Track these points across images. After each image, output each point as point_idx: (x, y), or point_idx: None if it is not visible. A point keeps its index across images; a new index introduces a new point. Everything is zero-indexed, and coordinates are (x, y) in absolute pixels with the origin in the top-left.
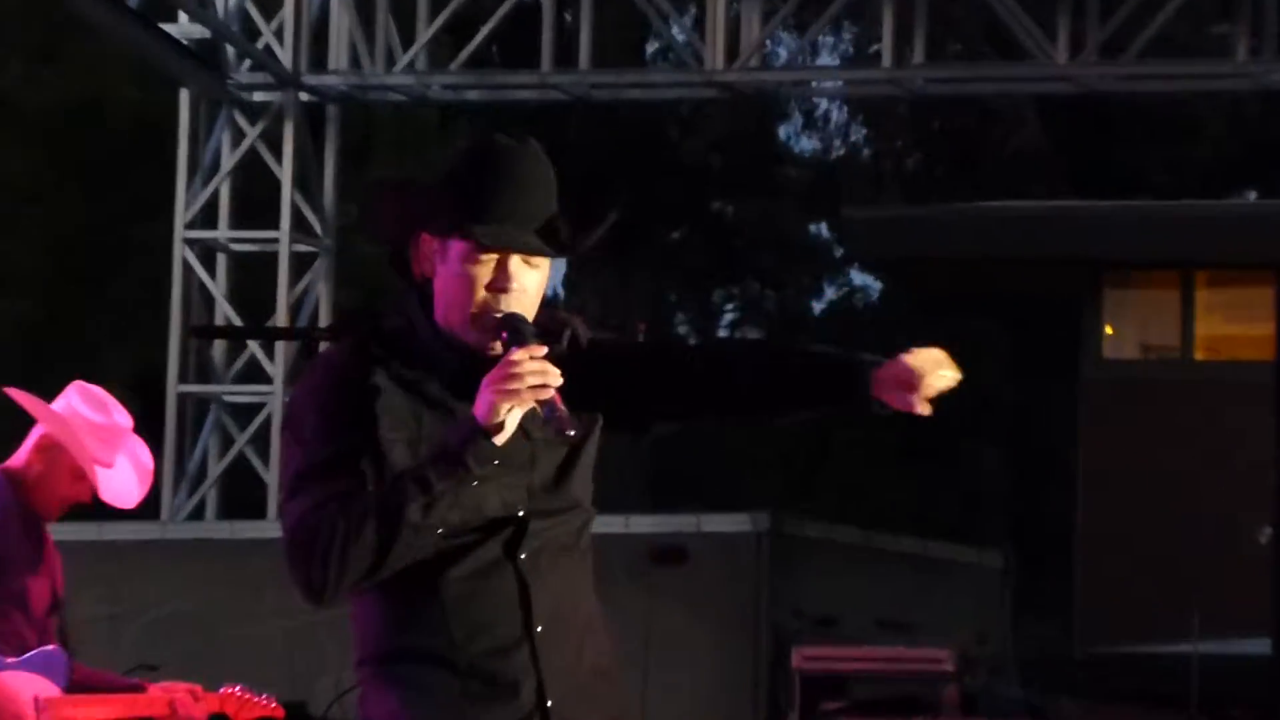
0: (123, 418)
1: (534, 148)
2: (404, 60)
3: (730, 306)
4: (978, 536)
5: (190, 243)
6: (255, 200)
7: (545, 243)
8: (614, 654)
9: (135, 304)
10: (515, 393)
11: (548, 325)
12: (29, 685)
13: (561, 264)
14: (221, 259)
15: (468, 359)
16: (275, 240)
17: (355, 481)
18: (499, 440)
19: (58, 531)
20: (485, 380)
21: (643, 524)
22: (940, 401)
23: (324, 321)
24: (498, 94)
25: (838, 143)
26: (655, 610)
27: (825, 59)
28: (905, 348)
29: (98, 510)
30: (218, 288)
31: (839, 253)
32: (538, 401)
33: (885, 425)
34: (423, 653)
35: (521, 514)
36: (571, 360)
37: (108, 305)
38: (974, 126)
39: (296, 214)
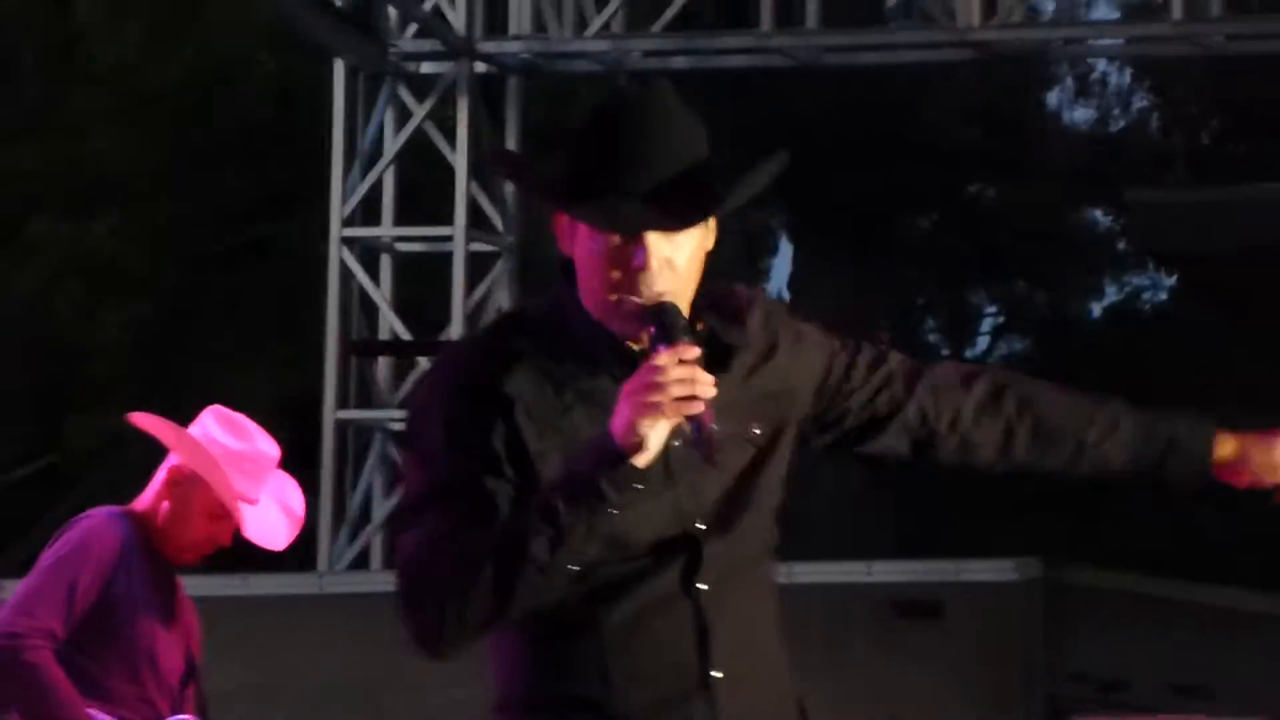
0: (269, 447)
1: (662, 89)
2: (598, 23)
3: (991, 310)
4: None
5: (348, 242)
6: (425, 192)
7: (678, 207)
8: (803, 709)
9: (275, 314)
10: (656, 406)
11: (721, 308)
12: None
13: (785, 259)
14: (385, 260)
15: (620, 350)
16: (448, 238)
17: (480, 509)
18: (640, 462)
19: (193, 586)
20: (625, 388)
21: (888, 571)
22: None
23: None
24: (709, 60)
25: (1118, 112)
26: (903, 674)
27: (1102, 11)
28: (1205, 359)
29: (241, 558)
30: (381, 295)
31: (1121, 245)
32: (685, 417)
33: None
34: (574, 702)
35: (698, 530)
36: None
37: (241, 315)
38: None
39: (473, 207)
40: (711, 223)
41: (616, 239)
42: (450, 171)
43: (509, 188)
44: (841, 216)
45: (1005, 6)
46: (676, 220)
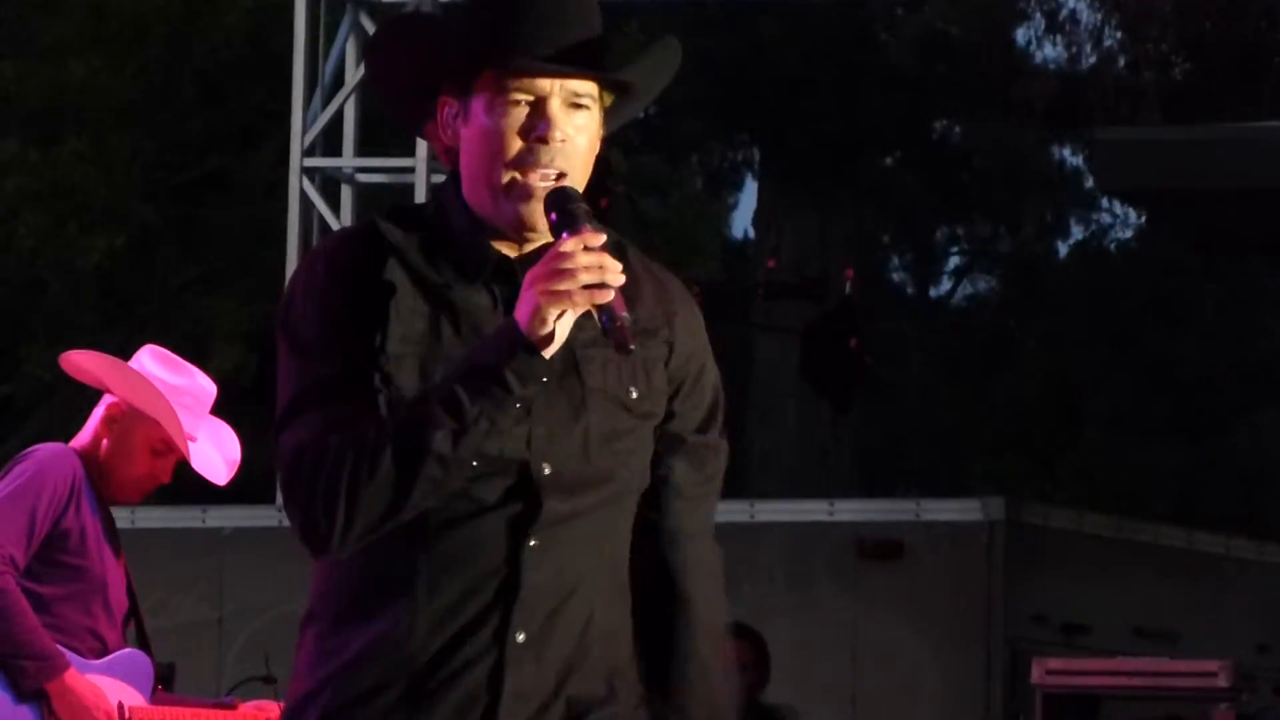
0: (206, 384)
1: None
2: None
3: (956, 249)
4: (1257, 528)
5: (309, 172)
6: (387, 123)
7: (590, 60)
8: (635, 684)
9: (237, 245)
10: (565, 295)
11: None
12: (115, 691)
13: (750, 196)
14: (346, 191)
15: (501, 264)
16: (410, 170)
17: (367, 403)
18: (547, 353)
19: (150, 518)
20: (528, 277)
21: (850, 511)
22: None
23: None
24: None
25: (1088, 49)
26: (865, 615)
27: None
28: (1171, 297)
29: (192, 491)
30: (342, 226)
31: (1089, 183)
32: (594, 306)
33: (1145, 393)
34: (377, 636)
35: (543, 476)
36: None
37: (206, 244)
38: (1257, 29)
39: None
40: (600, 117)
41: (520, 110)
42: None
43: None
44: (806, 153)
45: None
46: (599, 69)
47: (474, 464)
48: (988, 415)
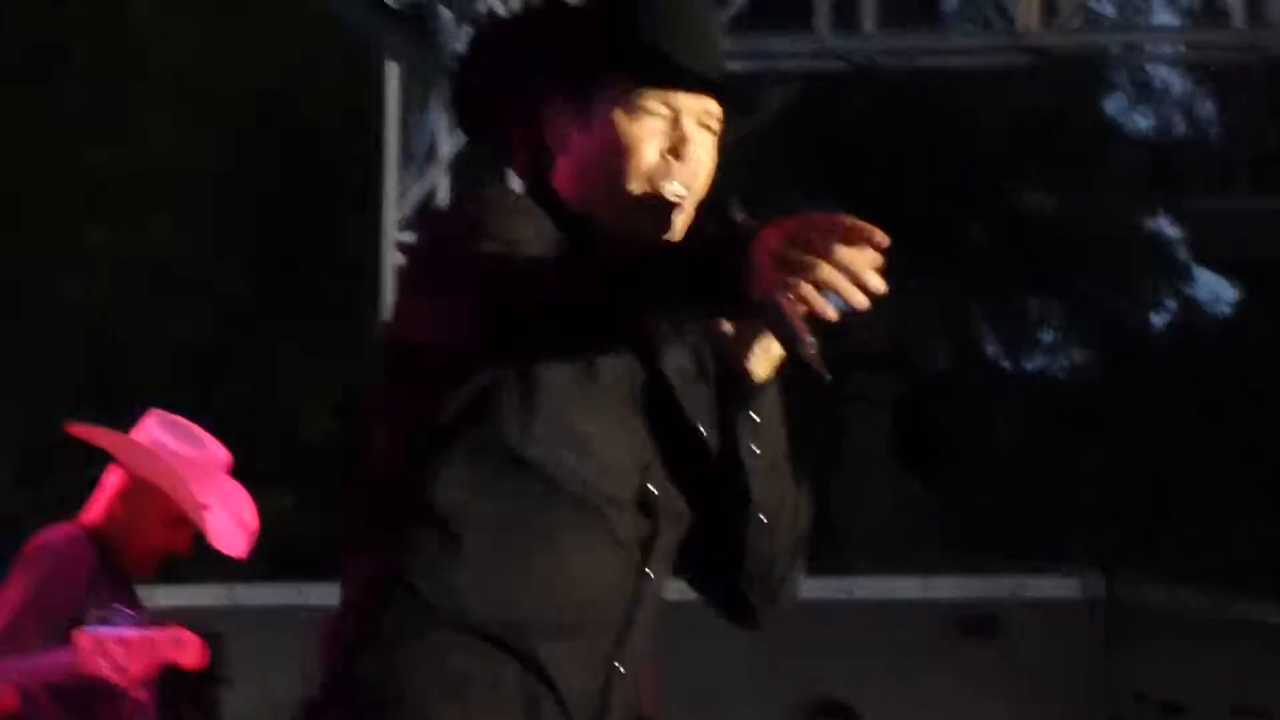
0: (218, 451)
1: None
2: None
3: (1048, 321)
4: None
5: (402, 246)
6: None
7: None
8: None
9: (330, 317)
10: (794, 285)
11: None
12: None
13: None
14: None
15: None
16: None
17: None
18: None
19: (250, 597)
20: (762, 244)
21: (944, 587)
22: None
23: None
24: (764, 63)
25: (1178, 120)
26: (960, 694)
27: (1162, 17)
28: (1268, 369)
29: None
30: None
31: (1183, 254)
32: (800, 318)
33: (1242, 466)
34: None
35: (653, 496)
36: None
37: (296, 317)
38: None
39: None
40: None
41: (656, 122)
42: (504, 175)
43: None
44: (898, 224)
45: (1065, 10)
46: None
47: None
48: (1082, 488)
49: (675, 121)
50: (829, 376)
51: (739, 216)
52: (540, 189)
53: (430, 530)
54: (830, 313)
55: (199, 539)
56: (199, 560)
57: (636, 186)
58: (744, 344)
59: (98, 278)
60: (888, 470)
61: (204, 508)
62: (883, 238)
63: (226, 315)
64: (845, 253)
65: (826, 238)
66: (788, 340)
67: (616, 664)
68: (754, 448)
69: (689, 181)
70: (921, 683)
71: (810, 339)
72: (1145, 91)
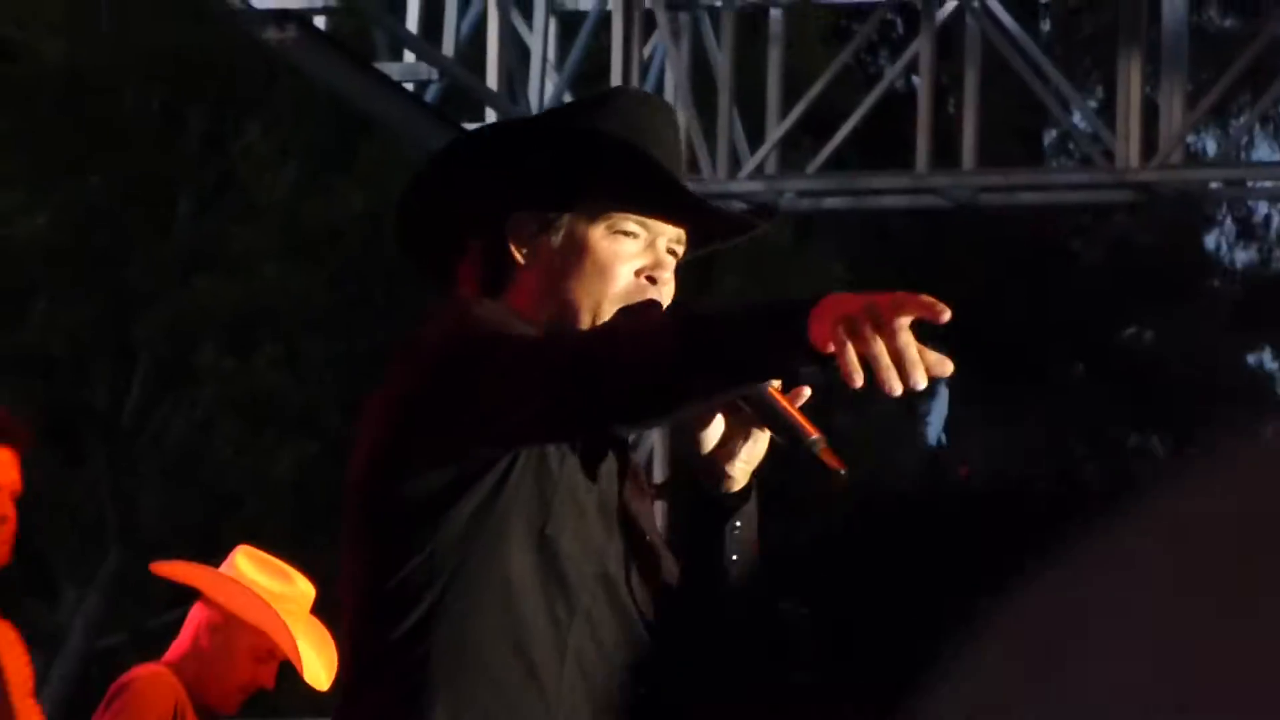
0: (306, 587)
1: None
2: (751, 164)
3: (1149, 454)
4: None
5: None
6: None
7: (741, 217)
8: None
9: None
10: (863, 340)
11: None
12: None
13: (943, 403)
14: None
15: None
16: None
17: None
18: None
19: None
20: (833, 304)
21: None
22: None
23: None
24: (864, 200)
25: (1279, 253)
26: None
27: (1264, 152)
28: None
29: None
30: None
31: None
32: (781, 424)
33: None
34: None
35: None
36: None
37: None
38: None
39: None
40: None
41: (632, 243)
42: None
43: None
44: (997, 360)
45: (1165, 147)
46: (754, 226)
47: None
48: None
49: (651, 245)
50: (844, 471)
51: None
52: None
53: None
54: (895, 384)
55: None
56: (280, 695)
57: (609, 307)
58: (726, 453)
59: (202, 410)
60: None
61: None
62: (944, 310)
63: (330, 450)
64: (907, 333)
65: (893, 312)
66: (790, 434)
67: None
68: (735, 558)
69: (665, 301)
70: None
71: (819, 435)
72: (1246, 226)
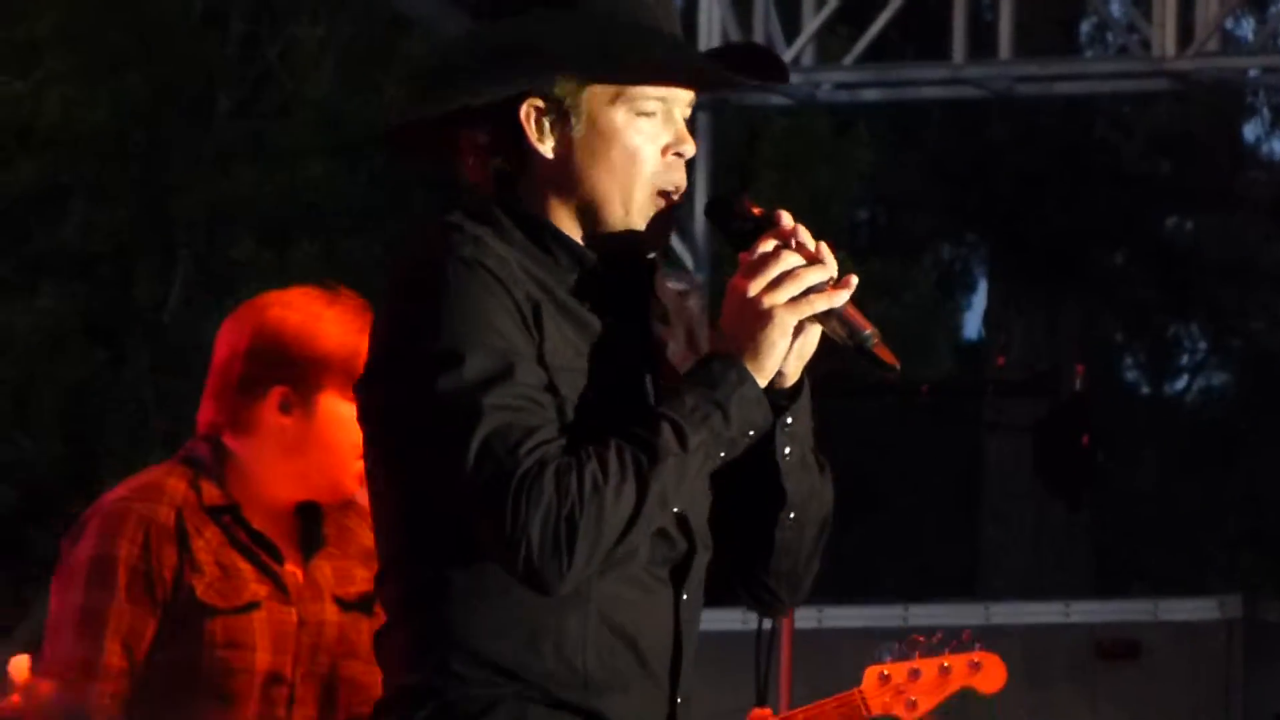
0: None
1: None
2: (788, 55)
3: (1188, 346)
4: None
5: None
6: None
7: (758, 61)
8: None
9: None
10: (803, 302)
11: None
12: None
13: (982, 295)
14: None
15: (596, 270)
16: None
17: (548, 414)
18: (761, 380)
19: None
20: (739, 287)
21: (1086, 611)
22: None
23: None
24: (901, 92)
25: None
26: (1104, 715)
27: None
28: None
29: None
30: None
31: None
32: (830, 318)
33: None
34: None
35: (686, 517)
36: None
37: None
38: None
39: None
40: None
41: (652, 121)
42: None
43: (698, 225)
44: (1036, 251)
45: (1202, 35)
46: (778, 71)
47: (674, 508)
48: (1224, 512)
49: (669, 116)
50: (898, 365)
51: (751, 208)
52: (509, 196)
53: (483, 598)
54: (841, 298)
55: None
56: None
57: (641, 190)
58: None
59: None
60: (1029, 495)
61: None
62: (801, 230)
63: None
64: (793, 257)
65: (777, 256)
66: (853, 336)
67: (678, 698)
68: (787, 451)
69: (683, 177)
70: (1063, 706)
71: (872, 328)
72: None
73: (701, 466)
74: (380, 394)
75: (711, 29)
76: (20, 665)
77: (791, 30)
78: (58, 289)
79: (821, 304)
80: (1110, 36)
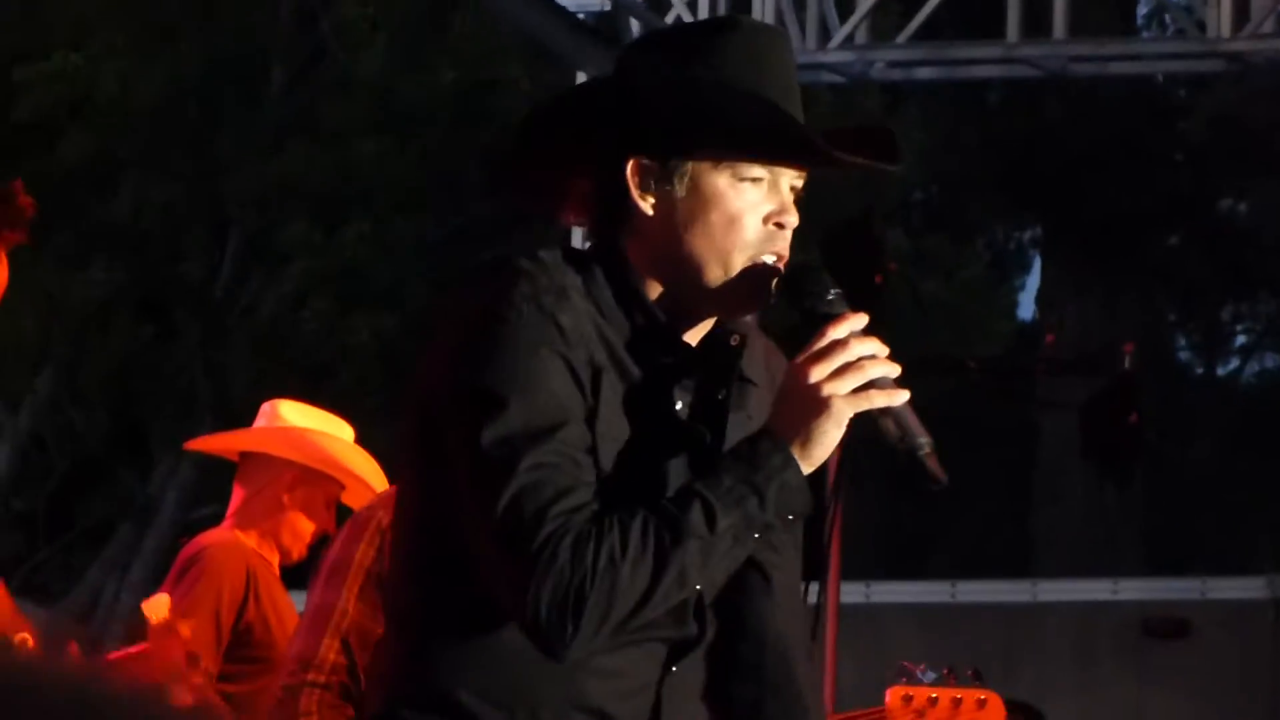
0: (343, 425)
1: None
2: (841, 34)
3: (1243, 327)
4: None
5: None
6: None
7: (874, 144)
8: None
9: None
10: (863, 396)
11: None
12: None
13: (1036, 276)
14: None
15: (681, 350)
16: None
17: (588, 477)
18: (806, 468)
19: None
20: (801, 372)
21: (1135, 590)
22: None
23: None
24: (955, 70)
25: None
26: (1150, 694)
27: None
28: None
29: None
30: None
31: None
32: (887, 415)
33: None
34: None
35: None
36: None
37: None
38: None
39: None
40: None
41: (757, 188)
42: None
43: None
44: (1090, 231)
45: (1258, 16)
46: (890, 154)
47: (698, 586)
48: (1276, 492)
49: (775, 186)
50: (945, 480)
51: (830, 293)
52: (609, 251)
53: (468, 640)
54: (900, 397)
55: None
56: None
57: (740, 257)
58: None
59: (294, 284)
60: (1082, 475)
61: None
62: (862, 321)
63: (414, 326)
64: (861, 346)
65: (844, 346)
66: (905, 439)
67: None
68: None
69: (785, 247)
70: (1110, 684)
71: (928, 436)
72: None
73: (730, 549)
74: (430, 422)
75: (765, 6)
76: (158, 605)
77: (845, 7)
78: (109, 263)
79: (881, 400)
80: (1168, 19)
